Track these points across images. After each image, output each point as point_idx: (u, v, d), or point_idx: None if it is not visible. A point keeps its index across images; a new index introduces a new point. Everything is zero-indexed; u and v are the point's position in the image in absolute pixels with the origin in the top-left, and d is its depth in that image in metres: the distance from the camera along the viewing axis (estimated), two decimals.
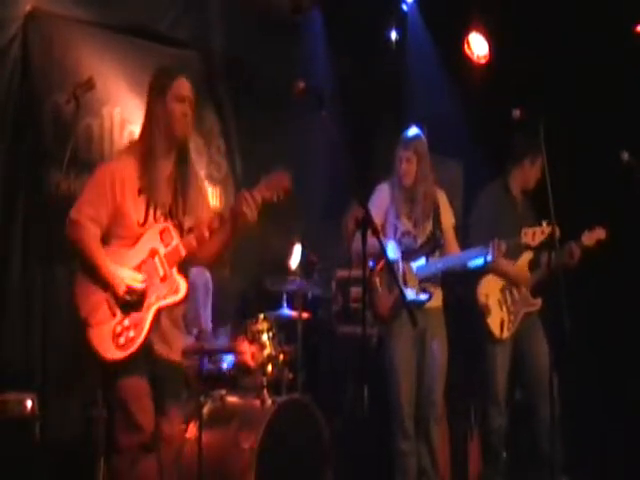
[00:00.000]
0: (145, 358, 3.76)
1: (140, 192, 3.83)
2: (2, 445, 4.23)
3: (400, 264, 4.94)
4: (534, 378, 5.20)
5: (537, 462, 5.21)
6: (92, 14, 5.44)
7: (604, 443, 5.94)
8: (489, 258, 4.91)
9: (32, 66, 5.18)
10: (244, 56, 6.22)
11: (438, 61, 6.99)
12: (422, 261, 5.00)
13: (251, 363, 5.02)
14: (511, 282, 5.31)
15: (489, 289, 5.29)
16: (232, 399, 4.93)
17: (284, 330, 5.28)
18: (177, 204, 3.91)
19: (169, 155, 3.90)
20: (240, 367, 5.07)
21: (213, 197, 6.04)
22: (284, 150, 6.18)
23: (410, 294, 4.90)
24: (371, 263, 4.90)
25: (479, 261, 4.97)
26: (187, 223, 3.92)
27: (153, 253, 3.82)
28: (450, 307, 5.22)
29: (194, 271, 4.78)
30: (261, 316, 5.14)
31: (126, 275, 3.77)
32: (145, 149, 3.85)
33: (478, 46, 7.03)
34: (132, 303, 3.76)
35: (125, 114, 5.58)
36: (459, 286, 5.45)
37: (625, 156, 4.96)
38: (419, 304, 4.92)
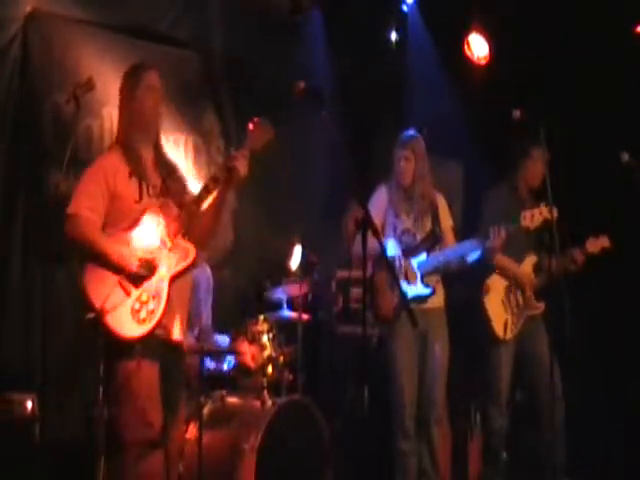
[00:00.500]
0: (159, 343, 3.86)
1: (131, 175, 3.98)
2: (2, 445, 4.23)
3: (401, 261, 4.95)
4: (536, 380, 5.19)
5: (538, 463, 5.21)
6: (92, 14, 5.44)
7: (605, 445, 5.93)
8: (488, 244, 4.89)
9: (32, 66, 5.17)
10: (244, 56, 6.22)
11: (438, 61, 6.99)
12: (423, 257, 5.01)
13: (251, 364, 5.02)
14: (516, 283, 5.30)
15: (494, 289, 5.29)
16: (232, 400, 4.93)
17: (284, 331, 5.28)
18: (166, 186, 4.07)
19: (148, 145, 4.08)
20: (240, 368, 5.07)
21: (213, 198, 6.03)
22: (284, 150, 6.18)
23: (412, 290, 4.91)
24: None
25: (477, 252, 4.96)
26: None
27: (156, 228, 3.92)
28: (452, 308, 5.22)
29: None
30: (261, 317, 5.15)
31: (135, 250, 3.85)
32: (125, 142, 4.03)
33: (478, 47, 7.03)
34: (145, 276, 3.85)
35: None
36: (462, 287, 5.45)
37: (625, 157, 4.96)
38: (422, 299, 4.92)
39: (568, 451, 5.10)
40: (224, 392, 4.95)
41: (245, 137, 4.07)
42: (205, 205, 4.06)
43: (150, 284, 3.85)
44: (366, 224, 3.82)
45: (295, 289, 5.45)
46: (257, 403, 4.82)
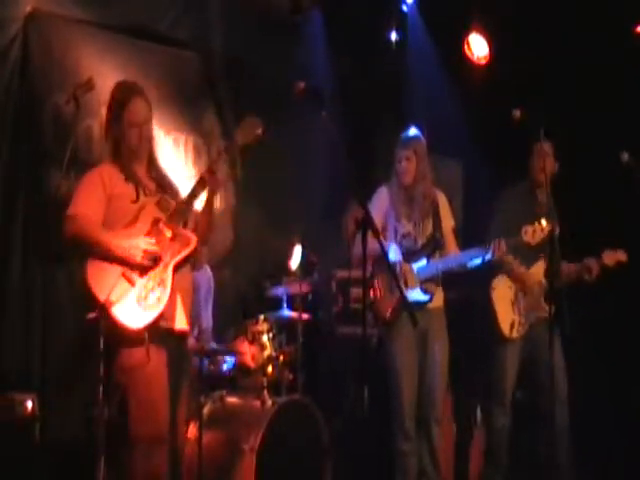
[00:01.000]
0: (163, 333, 3.92)
1: (126, 180, 4.06)
2: (2, 445, 4.23)
3: (401, 265, 4.95)
4: (542, 383, 5.18)
5: (538, 463, 5.21)
6: (92, 14, 5.44)
7: (607, 446, 5.93)
8: (488, 257, 4.90)
9: (32, 66, 5.17)
10: (244, 56, 6.22)
11: (438, 61, 6.98)
12: (423, 262, 5.00)
13: (251, 364, 5.03)
14: (523, 286, 5.30)
15: (502, 289, 5.29)
16: (232, 400, 4.93)
17: (284, 331, 5.28)
18: (162, 187, 4.15)
19: (141, 162, 4.14)
20: (240, 368, 5.08)
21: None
22: (284, 150, 6.19)
23: (411, 295, 4.90)
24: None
25: (478, 261, 4.97)
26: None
27: (156, 222, 3.99)
28: (455, 307, 5.22)
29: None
30: (261, 317, 5.15)
31: (138, 241, 3.91)
32: (116, 161, 4.09)
33: (478, 47, 7.03)
34: (149, 267, 3.91)
35: None
36: (466, 286, 5.44)
37: (625, 157, 4.95)
38: (420, 305, 4.92)
39: (571, 454, 5.10)
40: (224, 392, 4.95)
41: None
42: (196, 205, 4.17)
43: (155, 272, 3.91)
44: (366, 224, 3.82)
45: (295, 288, 5.45)
46: (257, 403, 4.82)
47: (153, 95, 4.66)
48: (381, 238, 4.07)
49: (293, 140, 6.26)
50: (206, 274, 5.28)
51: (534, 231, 4.74)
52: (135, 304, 3.83)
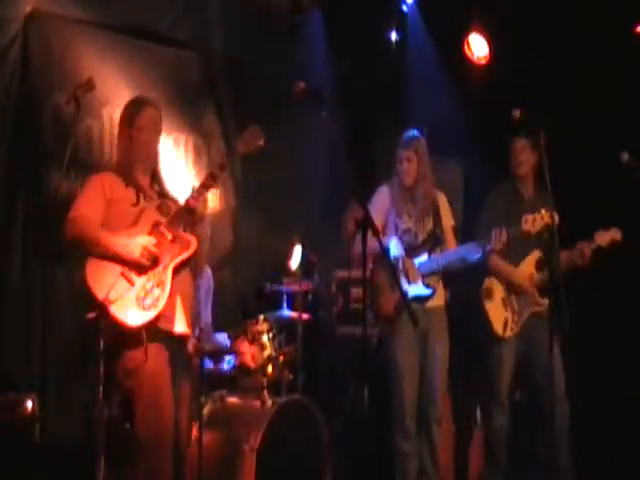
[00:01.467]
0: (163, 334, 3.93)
1: (127, 185, 4.11)
2: (2, 446, 4.23)
3: (403, 260, 4.96)
4: (539, 380, 5.18)
5: (538, 463, 5.21)
6: (92, 14, 5.44)
7: (607, 447, 5.92)
8: (489, 247, 4.90)
9: (32, 66, 5.17)
10: (244, 56, 6.22)
11: (438, 62, 6.98)
12: (424, 257, 5.01)
13: (251, 364, 5.02)
14: (510, 286, 5.30)
15: (494, 288, 5.29)
16: (232, 400, 4.93)
17: (284, 331, 5.28)
18: (162, 195, 4.21)
19: (145, 173, 4.20)
20: (240, 368, 5.07)
21: (213, 198, 6.04)
22: (284, 150, 6.18)
23: (413, 290, 4.91)
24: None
25: (478, 253, 4.97)
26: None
27: (156, 224, 4.02)
28: (454, 306, 5.22)
29: None
30: (261, 317, 5.15)
31: (138, 239, 3.93)
32: (121, 167, 4.16)
33: (478, 47, 7.02)
34: (148, 266, 3.92)
35: None
36: (463, 285, 5.44)
37: (625, 156, 4.95)
38: (423, 299, 4.93)
39: (572, 452, 5.09)
40: (224, 392, 4.95)
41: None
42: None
43: (154, 273, 3.93)
44: (366, 224, 3.82)
45: (295, 287, 5.45)
46: (257, 403, 4.82)
47: (153, 95, 4.68)
48: (381, 237, 4.08)
49: (293, 140, 6.26)
50: (206, 274, 5.28)
51: (534, 220, 4.73)
52: (134, 303, 3.84)
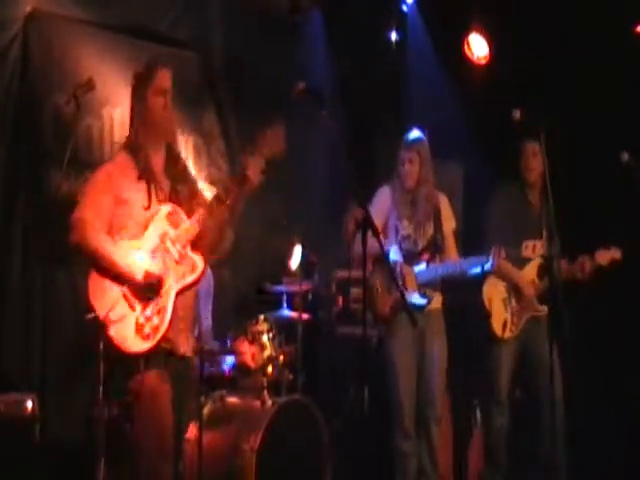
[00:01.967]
0: (164, 355, 3.79)
1: (139, 178, 3.89)
2: (2, 446, 4.23)
3: (401, 267, 4.95)
4: (537, 382, 5.18)
5: (538, 464, 5.21)
6: (92, 14, 5.45)
7: (607, 447, 5.92)
8: (488, 266, 4.91)
9: (32, 66, 5.18)
10: (244, 56, 6.22)
11: (438, 62, 6.98)
12: (422, 266, 4.99)
13: (251, 364, 5.02)
14: (514, 288, 5.30)
15: (494, 288, 5.30)
16: (232, 400, 4.93)
17: (284, 331, 5.28)
18: (176, 192, 3.97)
19: (159, 150, 3.97)
20: (240, 368, 5.07)
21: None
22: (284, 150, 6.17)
23: (409, 298, 4.89)
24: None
25: (477, 269, 4.97)
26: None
27: (164, 237, 3.83)
28: (453, 308, 5.21)
29: None
30: (261, 317, 5.15)
31: (141, 261, 3.77)
32: (135, 144, 3.93)
33: (478, 47, 7.02)
34: (151, 290, 3.75)
35: (125, 115, 5.50)
36: (460, 286, 5.44)
37: (625, 156, 4.95)
38: (418, 308, 4.91)
39: (568, 452, 5.09)
40: (224, 392, 4.95)
41: (251, 140, 3.93)
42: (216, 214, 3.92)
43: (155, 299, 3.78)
44: (366, 224, 3.82)
45: (295, 287, 5.45)
46: (257, 403, 4.83)
47: None
48: (381, 238, 4.07)
49: (293, 140, 6.24)
50: (206, 275, 5.27)
51: (534, 246, 4.81)
52: (132, 330, 3.71)
